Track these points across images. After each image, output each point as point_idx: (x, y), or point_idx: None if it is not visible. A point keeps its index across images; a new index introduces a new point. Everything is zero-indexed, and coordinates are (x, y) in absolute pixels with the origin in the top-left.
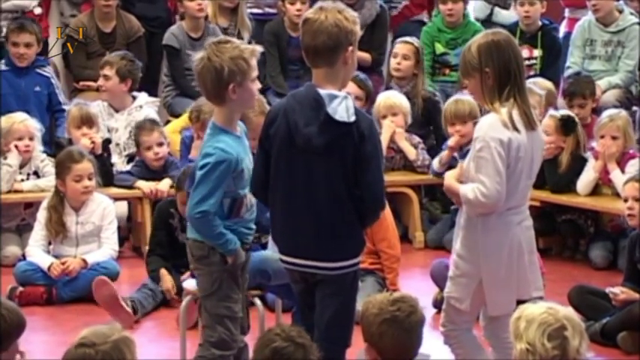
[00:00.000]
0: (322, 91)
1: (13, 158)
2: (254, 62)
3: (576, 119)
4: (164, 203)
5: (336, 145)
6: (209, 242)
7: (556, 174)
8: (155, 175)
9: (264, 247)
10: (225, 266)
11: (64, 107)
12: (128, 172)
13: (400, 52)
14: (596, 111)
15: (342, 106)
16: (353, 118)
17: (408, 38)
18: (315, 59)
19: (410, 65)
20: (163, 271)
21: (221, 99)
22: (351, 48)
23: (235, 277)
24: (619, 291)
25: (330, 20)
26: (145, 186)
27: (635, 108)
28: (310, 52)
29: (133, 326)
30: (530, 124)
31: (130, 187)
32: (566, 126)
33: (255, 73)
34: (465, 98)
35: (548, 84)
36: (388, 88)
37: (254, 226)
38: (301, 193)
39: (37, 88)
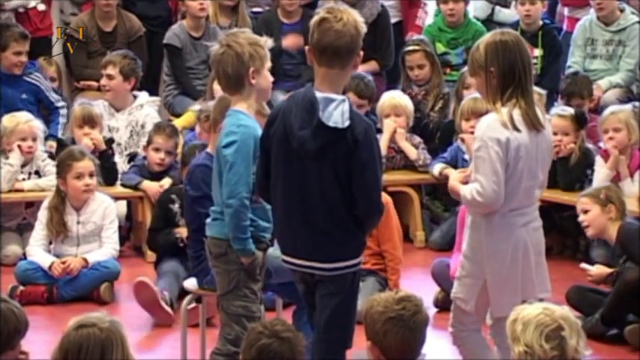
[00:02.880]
0: (319, 95)
1: (16, 158)
2: (268, 52)
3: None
4: (167, 189)
5: (328, 149)
6: (232, 234)
7: (567, 172)
8: (154, 176)
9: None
10: (242, 266)
11: (57, 105)
12: (133, 173)
13: (414, 63)
14: (597, 111)
15: (338, 111)
16: (347, 124)
17: (415, 45)
18: (331, 59)
19: (427, 71)
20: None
21: (240, 85)
22: (361, 53)
23: (253, 277)
24: (594, 267)
25: (352, 23)
26: (149, 186)
27: (635, 103)
28: (329, 51)
29: (172, 324)
30: (534, 126)
31: (136, 187)
32: (580, 120)
33: (269, 63)
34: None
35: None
36: (405, 89)
37: (271, 222)
38: (297, 195)
39: (24, 96)
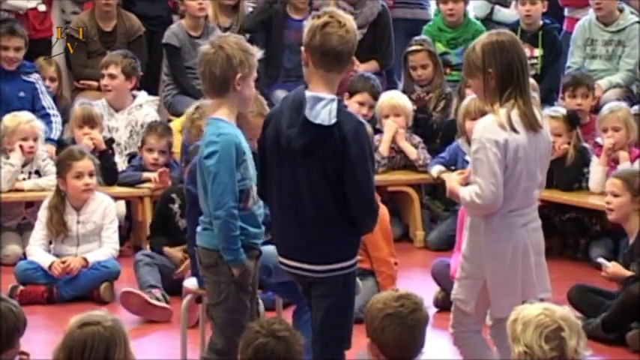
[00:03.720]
0: (309, 94)
1: (17, 158)
2: (256, 62)
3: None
4: (167, 189)
5: (315, 147)
6: (222, 244)
7: (564, 172)
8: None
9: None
10: (232, 278)
11: (49, 112)
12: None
13: (417, 63)
14: (597, 110)
15: (326, 109)
16: (333, 121)
17: (417, 45)
18: (331, 63)
19: (430, 71)
20: (167, 249)
21: (225, 89)
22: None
23: (244, 288)
24: (611, 264)
25: (352, 30)
26: (153, 176)
27: (635, 107)
28: (331, 55)
29: (171, 318)
30: (531, 126)
31: (140, 182)
32: (572, 120)
33: (255, 73)
34: None
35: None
36: (407, 90)
37: (263, 227)
38: (288, 196)
39: (22, 94)
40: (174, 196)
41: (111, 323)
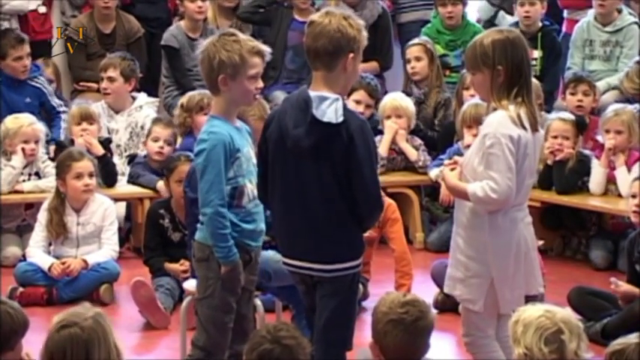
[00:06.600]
0: (313, 93)
1: (18, 161)
2: (254, 60)
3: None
4: (154, 205)
5: (323, 146)
6: (211, 241)
7: (563, 176)
8: (154, 173)
9: (275, 247)
10: (220, 275)
11: (60, 109)
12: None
13: (412, 55)
14: (595, 113)
15: (332, 108)
16: (340, 119)
17: (417, 39)
18: (314, 62)
19: (425, 65)
20: (167, 265)
21: (214, 89)
22: (352, 55)
23: (231, 289)
24: (621, 283)
25: (334, 25)
26: (161, 186)
27: (636, 105)
28: (311, 54)
29: (168, 327)
30: (535, 126)
31: (152, 187)
32: (580, 126)
33: (253, 70)
34: (483, 103)
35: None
36: (406, 92)
37: (263, 227)
38: (294, 196)
39: (28, 100)
40: (162, 212)
41: (89, 322)
